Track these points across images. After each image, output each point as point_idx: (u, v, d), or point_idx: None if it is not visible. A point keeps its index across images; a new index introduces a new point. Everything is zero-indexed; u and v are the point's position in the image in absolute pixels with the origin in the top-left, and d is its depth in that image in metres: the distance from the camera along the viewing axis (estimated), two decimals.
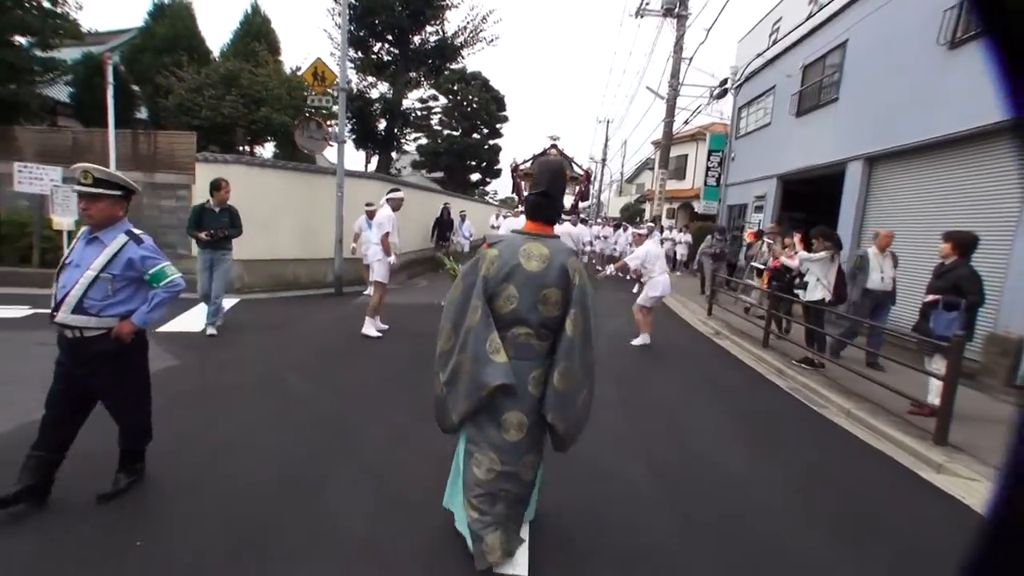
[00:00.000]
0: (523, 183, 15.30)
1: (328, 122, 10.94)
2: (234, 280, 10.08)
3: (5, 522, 2.60)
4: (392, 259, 6.98)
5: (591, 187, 16.34)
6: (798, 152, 13.53)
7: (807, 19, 12.84)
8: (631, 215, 33.58)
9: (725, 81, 16.95)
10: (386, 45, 16.55)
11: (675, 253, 18.82)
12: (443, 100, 29.13)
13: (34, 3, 11.36)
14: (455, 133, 30.01)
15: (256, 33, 15.80)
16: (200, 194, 10.20)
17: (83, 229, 2.90)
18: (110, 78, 9.15)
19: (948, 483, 3.82)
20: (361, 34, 15.94)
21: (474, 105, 30.27)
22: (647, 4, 17.47)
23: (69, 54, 13.84)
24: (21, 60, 11.62)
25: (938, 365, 4.80)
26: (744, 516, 3.20)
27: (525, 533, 2.67)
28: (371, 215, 9.38)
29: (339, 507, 2.97)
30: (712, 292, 10.88)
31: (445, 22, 16.51)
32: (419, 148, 30.68)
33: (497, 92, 31.58)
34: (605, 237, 19.03)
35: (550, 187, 2.53)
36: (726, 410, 5.24)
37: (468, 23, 16.92)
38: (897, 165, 9.59)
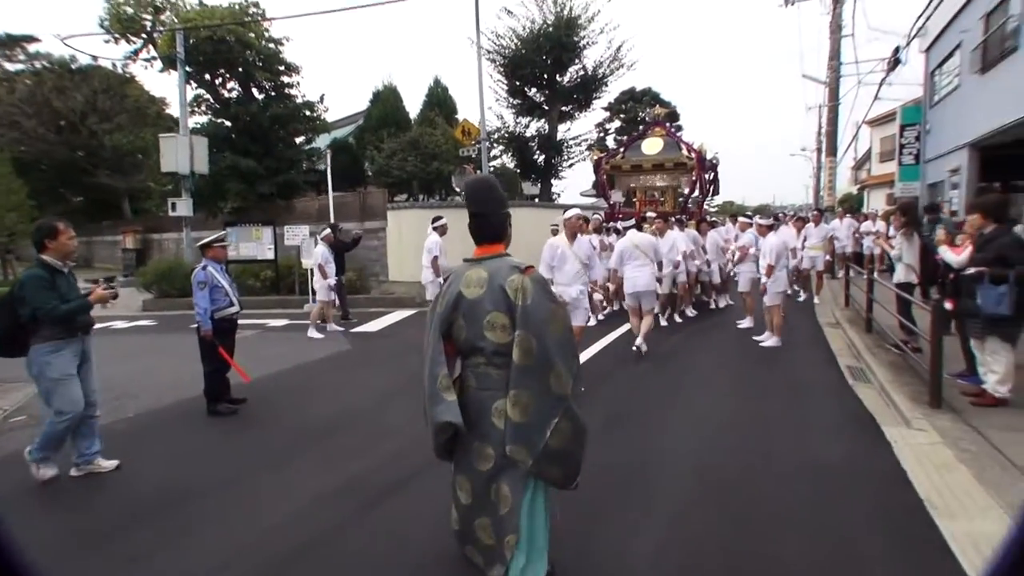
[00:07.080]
0: (610, 178, 12.66)
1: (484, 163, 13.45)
2: (415, 296, 12.96)
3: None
4: (441, 279, 8.00)
5: (707, 176, 11.85)
6: (985, 113, 11.80)
7: None
8: (850, 206, 30.64)
9: (897, 49, 15.22)
10: (535, 89, 19.00)
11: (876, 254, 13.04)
12: (616, 123, 30.67)
13: (304, 114, 16.51)
14: None
15: (438, 101, 19.67)
16: (392, 235, 13.60)
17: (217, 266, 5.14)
18: (329, 167, 12.96)
19: (897, 434, 4.13)
20: (516, 84, 18.68)
21: (646, 120, 31.06)
22: None
23: (322, 140, 19.47)
24: (298, 154, 16.93)
25: (993, 348, 4.46)
26: (706, 436, 4.34)
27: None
28: (329, 241, 9.21)
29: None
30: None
31: (585, 59, 18.32)
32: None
33: (668, 104, 31.86)
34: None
35: (477, 206, 2.44)
36: (762, 376, 5.98)
37: (604, 57, 18.47)
38: None
